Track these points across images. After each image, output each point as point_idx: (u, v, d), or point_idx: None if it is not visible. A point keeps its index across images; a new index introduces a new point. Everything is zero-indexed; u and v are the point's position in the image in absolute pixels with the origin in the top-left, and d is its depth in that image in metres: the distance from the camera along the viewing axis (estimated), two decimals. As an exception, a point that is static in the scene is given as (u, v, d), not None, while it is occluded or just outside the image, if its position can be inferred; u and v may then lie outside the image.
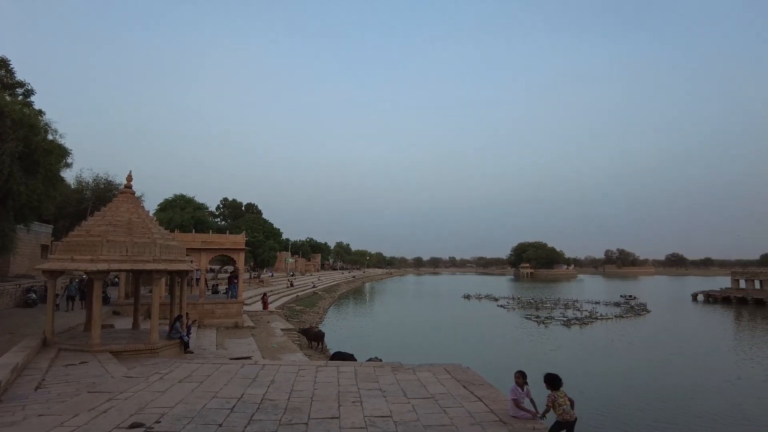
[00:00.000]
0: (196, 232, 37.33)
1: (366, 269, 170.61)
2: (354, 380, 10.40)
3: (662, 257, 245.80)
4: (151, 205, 65.09)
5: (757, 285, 66.68)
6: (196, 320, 23.68)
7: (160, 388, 9.56)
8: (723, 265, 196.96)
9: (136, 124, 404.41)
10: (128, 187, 17.00)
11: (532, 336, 36.83)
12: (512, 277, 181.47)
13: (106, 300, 27.19)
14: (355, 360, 18.44)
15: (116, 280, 35.14)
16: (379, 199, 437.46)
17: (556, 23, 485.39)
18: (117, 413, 7.79)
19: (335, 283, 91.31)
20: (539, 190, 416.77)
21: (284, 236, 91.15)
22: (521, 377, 8.19)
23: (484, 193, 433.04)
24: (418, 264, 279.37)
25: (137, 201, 17.75)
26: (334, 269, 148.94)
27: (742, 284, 69.67)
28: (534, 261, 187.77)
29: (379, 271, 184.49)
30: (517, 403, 8.03)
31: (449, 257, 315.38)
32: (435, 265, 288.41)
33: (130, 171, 17.04)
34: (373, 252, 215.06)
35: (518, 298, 72.16)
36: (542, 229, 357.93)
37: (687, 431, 16.17)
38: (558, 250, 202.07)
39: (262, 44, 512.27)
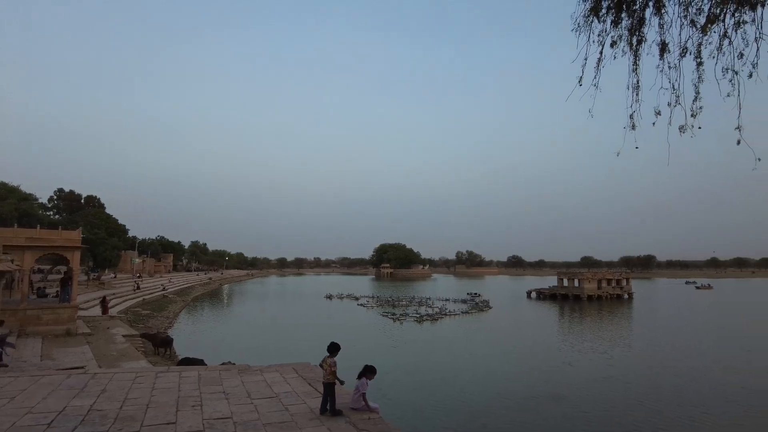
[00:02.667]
0: (20, 226, 32.39)
1: (225, 270, 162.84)
2: (197, 385, 10.10)
3: (505, 259, 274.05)
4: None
5: (576, 283, 77.93)
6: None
7: (-43, 408, 8.30)
8: (553, 267, 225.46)
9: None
10: (-76, 173, 14.25)
11: (387, 332, 38.65)
12: (373, 276, 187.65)
13: None
14: (205, 365, 17.71)
15: None
16: (240, 197, 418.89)
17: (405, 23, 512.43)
18: None
19: (189, 285, 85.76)
20: (402, 193, 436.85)
21: (131, 234, 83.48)
22: (373, 374, 8.69)
23: (350, 194, 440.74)
24: (281, 265, 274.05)
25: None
26: (189, 270, 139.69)
27: (566, 283, 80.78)
28: (394, 261, 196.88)
29: (240, 272, 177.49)
30: (365, 397, 8.55)
31: (314, 258, 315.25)
32: (299, 265, 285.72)
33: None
34: (233, 252, 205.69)
35: (377, 297, 74.96)
36: (402, 231, 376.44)
37: (506, 413, 18.42)
38: (415, 251, 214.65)
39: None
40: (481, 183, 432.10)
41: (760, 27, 5.61)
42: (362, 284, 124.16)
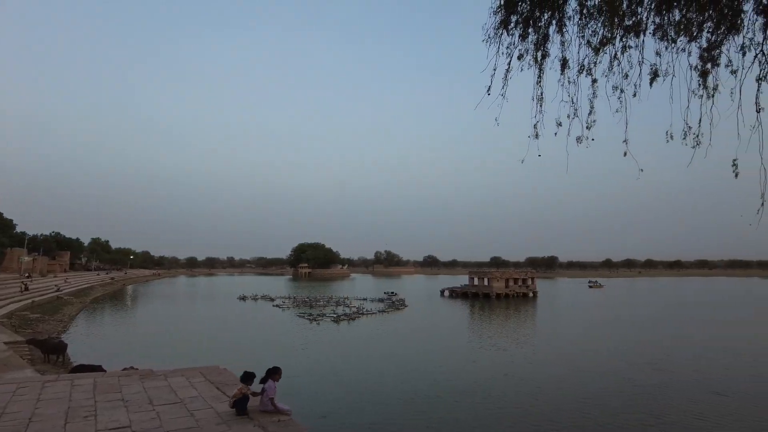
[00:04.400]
0: None
1: (129, 270, 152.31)
2: (92, 393, 9.34)
3: (421, 258, 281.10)
4: None
5: (486, 282, 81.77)
6: None
7: None
8: (465, 266, 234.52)
9: None
10: None
11: (302, 333, 38.16)
12: (291, 277, 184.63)
13: None
14: (104, 371, 16.43)
15: None
16: (147, 192, 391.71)
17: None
18: None
19: (88, 285, 79.35)
20: (322, 193, 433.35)
21: (20, 229, 75.58)
22: (279, 374, 8.55)
23: (267, 192, 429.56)
24: (191, 264, 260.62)
25: None
26: (89, 270, 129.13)
27: (476, 282, 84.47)
28: (312, 261, 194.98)
29: (146, 272, 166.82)
30: (273, 402, 8.38)
31: (227, 257, 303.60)
32: (211, 265, 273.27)
33: None
34: (138, 251, 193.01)
35: (294, 298, 73.79)
36: (321, 230, 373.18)
37: (417, 410, 18.93)
38: (334, 251, 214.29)
39: None
40: (398, 184, 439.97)
41: (642, 52, 6.26)
42: (279, 285, 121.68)
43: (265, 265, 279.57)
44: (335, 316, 48.66)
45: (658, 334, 39.36)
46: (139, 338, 35.64)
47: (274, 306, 61.82)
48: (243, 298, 73.53)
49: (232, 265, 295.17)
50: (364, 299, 70.34)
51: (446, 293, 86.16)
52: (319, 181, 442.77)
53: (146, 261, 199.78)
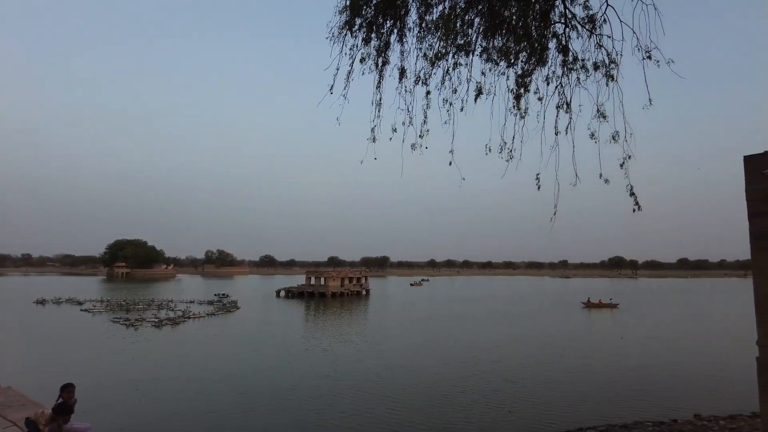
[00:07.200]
0: None
1: None
2: None
3: (257, 258, 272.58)
4: None
5: (322, 281, 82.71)
6: None
7: None
8: (303, 266, 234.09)
9: None
10: None
11: (116, 340, 34.05)
12: (105, 277, 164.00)
13: None
14: None
15: None
16: None
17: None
18: None
19: None
20: (142, 183, 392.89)
21: None
22: (72, 391, 7.41)
23: (76, 184, 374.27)
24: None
25: None
26: None
27: (313, 281, 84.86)
28: (131, 260, 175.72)
29: None
30: (65, 421, 7.23)
31: (22, 254, 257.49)
32: (0, 263, 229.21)
33: None
34: None
35: (108, 301, 65.62)
36: (142, 226, 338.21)
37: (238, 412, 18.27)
38: (158, 249, 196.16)
39: None
40: (233, 178, 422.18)
41: (470, 70, 6.87)
42: (89, 286, 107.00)
43: (72, 264, 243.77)
44: (157, 320, 44.45)
45: (464, 328, 43.64)
46: None
47: (82, 311, 54.11)
48: (42, 302, 63.23)
49: (29, 263, 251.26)
50: (192, 302, 65.67)
51: (282, 293, 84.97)
52: (140, 170, 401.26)
53: None
